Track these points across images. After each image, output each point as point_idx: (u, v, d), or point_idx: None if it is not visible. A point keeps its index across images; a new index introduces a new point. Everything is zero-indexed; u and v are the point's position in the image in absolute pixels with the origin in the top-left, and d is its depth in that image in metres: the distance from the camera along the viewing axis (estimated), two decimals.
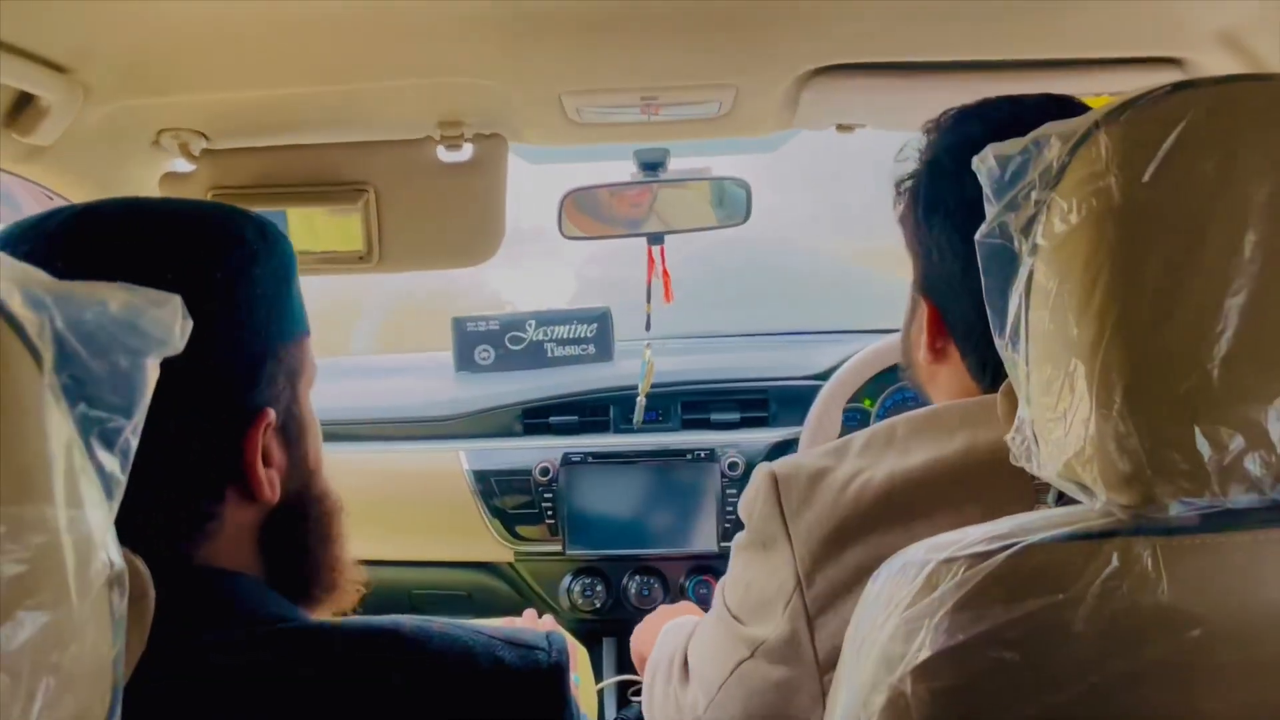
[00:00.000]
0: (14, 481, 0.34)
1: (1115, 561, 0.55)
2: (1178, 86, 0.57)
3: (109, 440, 0.38)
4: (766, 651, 0.83)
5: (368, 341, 3.81)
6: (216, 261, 0.67)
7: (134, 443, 0.38)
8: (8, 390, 0.35)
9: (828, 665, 0.80)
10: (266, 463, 0.69)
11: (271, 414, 0.69)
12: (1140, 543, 0.55)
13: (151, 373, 0.39)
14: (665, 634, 1.18)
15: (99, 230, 0.66)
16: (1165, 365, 0.54)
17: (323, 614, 0.75)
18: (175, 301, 0.39)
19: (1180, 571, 0.55)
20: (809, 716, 0.83)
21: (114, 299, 0.38)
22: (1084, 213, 0.56)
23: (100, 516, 0.38)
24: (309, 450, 0.74)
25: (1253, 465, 0.53)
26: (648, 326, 1.76)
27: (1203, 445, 0.53)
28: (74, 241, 0.64)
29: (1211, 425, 0.53)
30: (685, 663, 0.99)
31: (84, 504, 0.37)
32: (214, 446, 0.66)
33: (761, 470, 0.85)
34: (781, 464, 0.85)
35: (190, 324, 0.40)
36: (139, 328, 0.38)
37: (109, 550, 0.38)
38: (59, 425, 0.37)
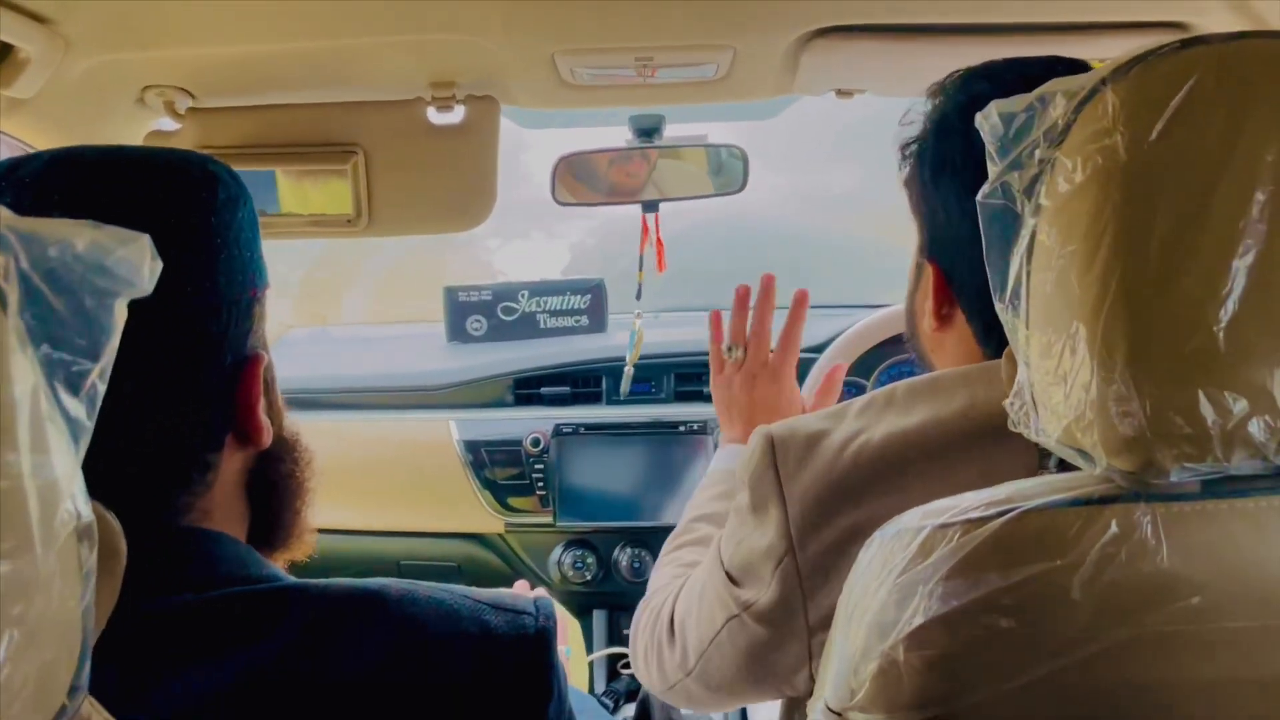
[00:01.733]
0: None
1: (1114, 528, 0.54)
2: (1186, 43, 0.56)
3: (74, 385, 0.36)
4: (755, 614, 0.83)
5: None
6: (209, 204, 0.66)
7: (101, 388, 0.37)
8: None
9: (818, 627, 0.79)
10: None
11: (266, 358, 0.69)
12: (1140, 509, 0.54)
13: (119, 315, 0.37)
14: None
15: (85, 174, 0.64)
16: (1169, 327, 0.52)
17: (279, 564, 0.75)
18: (143, 240, 0.37)
19: (1181, 538, 0.54)
20: (794, 675, 0.84)
21: (80, 237, 0.36)
22: (1089, 171, 0.55)
23: (66, 464, 0.36)
24: (278, 394, 0.74)
25: (1257, 430, 0.52)
26: (638, 295, 1.75)
27: (1206, 409, 0.51)
28: (57, 185, 0.63)
29: (1215, 389, 0.51)
30: (671, 619, 0.99)
31: (49, 450, 0.35)
32: (215, 391, 0.66)
33: (759, 432, 0.84)
34: (779, 426, 0.84)
35: (160, 265, 0.38)
36: (106, 267, 0.36)
37: (76, 500, 0.37)
38: (23, 369, 0.35)
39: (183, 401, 0.64)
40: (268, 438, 0.70)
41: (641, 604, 1.10)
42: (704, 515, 1.16)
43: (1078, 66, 0.82)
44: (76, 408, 0.36)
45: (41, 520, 0.35)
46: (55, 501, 0.35)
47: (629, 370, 1.81)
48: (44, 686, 0.36)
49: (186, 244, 0.64)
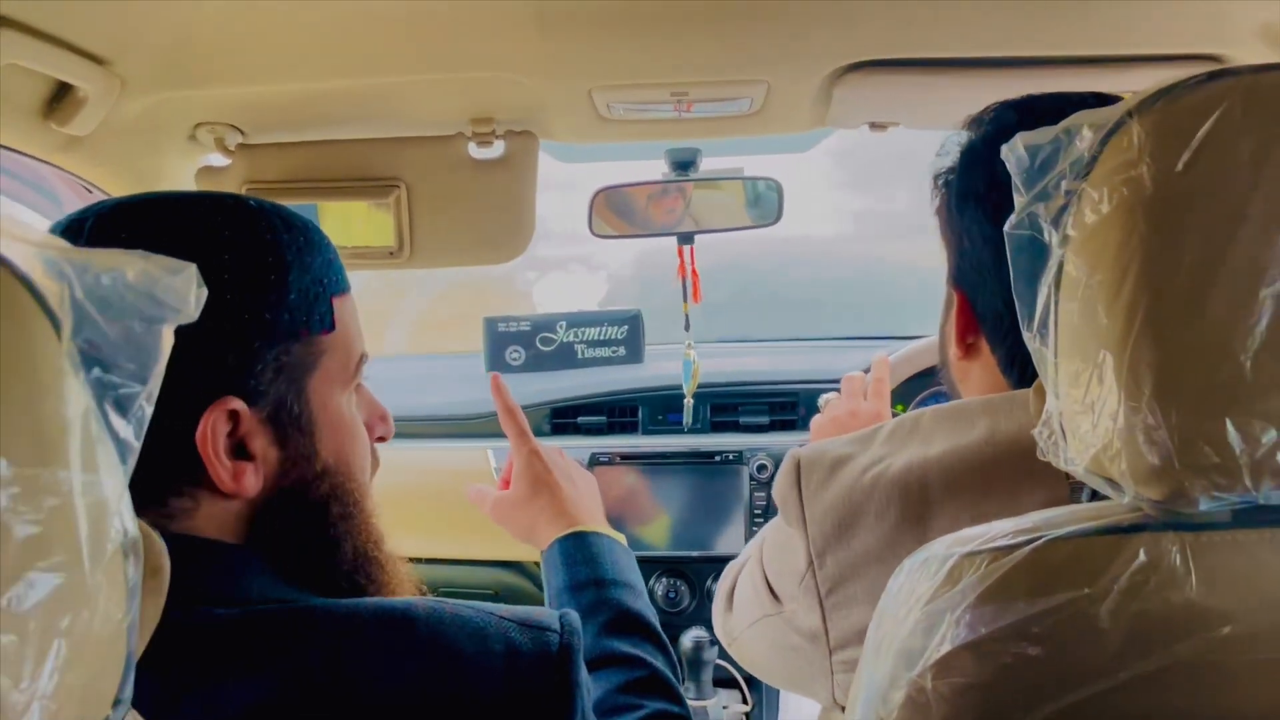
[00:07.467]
0: (30, 445, 0.34)
1: (1143, 556, 0.54)
2: (1213, 75, 0.56)
3: (123, 407, 0.38)
4: (787, 619, 0.87)
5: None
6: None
7: (148, 410, 0.39)
8: (26, 357, 0.35)
9: (838, 645, 0.81)
10: (242, 454, 0.67)
11: (235, 402, 0.66)
12: (1169, 538, 0.54)
13: (166, 340, 0.39)
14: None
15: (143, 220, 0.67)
16: (1197, 356, 0.52)
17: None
18: (190, 270, 0.39)
19: (1210, 568, 0.53)
20: (814, 683, 0.86)
21: (131, 266, 0.38)
22: (1115, 202, 0.55)
23: (115, 483, 0.38)
24: (319, 448, 0.72)
25: None
26: (686, 326, 1.75)
27: (1234, 438, 0.51)
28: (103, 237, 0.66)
29: (1244, 418, 0.51)
30: (732, 591, 1.05)
31: (99, 470, 0.37)
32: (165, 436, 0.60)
33: (790, 455, 0.87)
34: (808, 449, 0.86)
35: (205, 292, 0.40)
36: (155, 295, 0.38)
37: (123, 518, 0.39)
38: (76, 392, 0.37)
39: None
40: (237, 486, 0.66)
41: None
42: None
43: (1112, 102, 0.83)
44: (125, 429, 0.38)
45: (90, 536, 0.36)
46: (103, 518, 0.37)
47: (689, 401, 1.82)
48: (89, 698, 0.37)
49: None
